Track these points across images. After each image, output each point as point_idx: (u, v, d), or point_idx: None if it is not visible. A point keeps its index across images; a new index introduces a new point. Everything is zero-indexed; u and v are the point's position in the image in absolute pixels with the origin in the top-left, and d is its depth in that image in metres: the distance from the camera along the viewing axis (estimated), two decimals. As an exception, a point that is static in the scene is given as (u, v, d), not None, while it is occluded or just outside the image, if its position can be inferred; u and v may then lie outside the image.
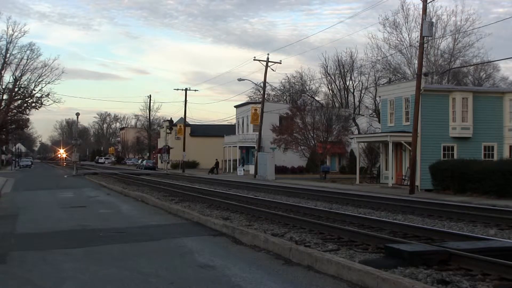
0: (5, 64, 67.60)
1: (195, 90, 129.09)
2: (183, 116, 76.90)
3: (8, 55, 67.37)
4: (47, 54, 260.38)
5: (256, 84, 71.15)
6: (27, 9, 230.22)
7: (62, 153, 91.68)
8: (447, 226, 15.43)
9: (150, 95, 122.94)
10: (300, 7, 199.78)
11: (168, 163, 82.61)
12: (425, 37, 32.37)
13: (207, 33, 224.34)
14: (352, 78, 74.04)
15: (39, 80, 68.79)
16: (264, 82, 57.18)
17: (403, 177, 36.62)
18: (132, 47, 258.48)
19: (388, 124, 39.29)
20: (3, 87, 69.89)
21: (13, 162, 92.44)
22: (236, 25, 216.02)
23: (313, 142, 50.70)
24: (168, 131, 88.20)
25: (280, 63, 57.45)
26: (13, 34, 66.44)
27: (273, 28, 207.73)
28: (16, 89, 69.43)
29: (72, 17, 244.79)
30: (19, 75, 68.47)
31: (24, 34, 71.42)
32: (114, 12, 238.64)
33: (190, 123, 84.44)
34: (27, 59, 67.80)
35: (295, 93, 78.74)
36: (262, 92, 61.48)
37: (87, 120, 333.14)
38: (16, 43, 67.59)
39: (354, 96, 74.24)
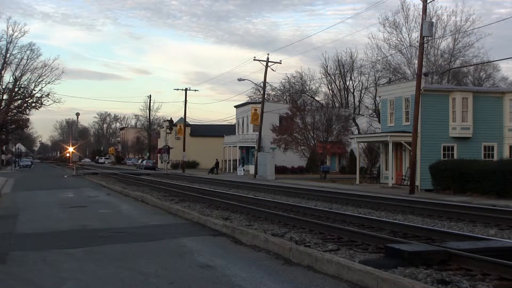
0: (5, 64, 67.65)
1: (195, 90, 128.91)
2: (183, 116, 76.92)
3: (8, 55, 67.52)
4: (50, 54, 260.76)
5: (256, 84, 71.25)
6: (30, 9, 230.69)
7: (71, 151, 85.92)
8: (447, 226, 15.43)
9: (150, 95, 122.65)
10: (303, 8, 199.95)
11: (168, 163, 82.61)
12: (425, 37, 32.37)
13: (210, 34, 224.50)
14: (352, 78, 74.09)
15: (39, 80, 68.92)
16: (264, 82, 57.20)
17: (403, 177, 36.62)
18: (134, 47, 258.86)
19: (388, 124, 39.29)
20: (3, 87, 70.00)
21: (13, 162, 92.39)
22: (239, 26, 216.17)
23: (313, 142, 50.70)
24: (168, 131, 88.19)
25: (280, 63, 57.46)
26: (13, 34, 66.59)
27: (276, 29, 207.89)
28: (16, 89, 69.45)
29: (76, 17, 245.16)
30: (19, 75, 68.59)
31: (24, 34, 71.53)
32: (118, 13, 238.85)
33: (190, 123, 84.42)
34: (27, 59, 67.94)
35: (295, 93, 78.73)
36: (262, 92, 61.50)
37: (87, 120, 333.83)
38: (16, 43, 67.76)
39: (354, 96, 74.28)
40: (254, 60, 55.59)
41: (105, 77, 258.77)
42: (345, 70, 73.86)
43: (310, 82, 78.32)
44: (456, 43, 55.98)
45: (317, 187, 35.41)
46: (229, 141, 72.37)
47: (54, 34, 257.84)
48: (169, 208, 19.81)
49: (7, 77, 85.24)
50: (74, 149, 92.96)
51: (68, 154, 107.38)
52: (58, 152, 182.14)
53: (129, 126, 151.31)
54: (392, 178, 37.31)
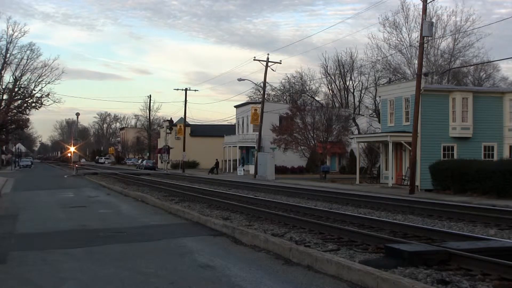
0: (5, 64, 67.66)
1: (195, 90, 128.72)
2: (183, 116, 76.92)
3: (8, 55, 67.54)
4: (50, 54, 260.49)
5: (256, 84, 71.25)
6: (31, 9, 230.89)
7: (72, 151, 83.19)
8: (447, 226, 15.43)
9: (150, 95, 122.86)
10: (303, 8, 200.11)
11: (168, 163, 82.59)
12: (425, 37, 32.35)
13: (210, 34, 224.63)
14: (352, 78, 74.03)
15: (39, 80, 68.94)
16: (264, 82, 57.21)
17: (403, 177, 36.61)
18: (135, 47, 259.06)
19: (388, 124, 39.28)
20: (3, 87, 70.00)
21: (13, 162, 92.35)
22: (240, 26, 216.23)
23: (313, 142, 50.68)
24: (168, 131, 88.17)
25: (280, 63, 57.49)
26: (13, 34, 66.60)
27: (276, 29, 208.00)
28: (16, 89, 69.46)
29: (76, 17, 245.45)
30: (19, 75, 68.61)
31: (24, 34, 71.67)
32: (118, 13, 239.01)
33: (190, 123, 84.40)
34: (27, 59, 67.97)
35: (295, 93, 78.68)
36: (262, 92, 61.49)
37: (87, 120, 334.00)
38: (16, 43, 67.78)
39: (354, 96, 74.20)
40: (254, 60, 55.67)
41: (105, 77, 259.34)
42: (345, 70, 73.84)
43: (310, 82, 78.36)
44: (456, 43, 55.96)
45: (317, 187, 35.41)
46: (229, 141, 72.36)
47: (54, 34, 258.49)
48: (169, 208, 19.80)
49: (7, 77, 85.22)
50: (75, 149, 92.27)
51: (69, 154, 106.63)
52: (59, 152, 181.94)
53: (129, 126, 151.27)
54: (392, 178, 37.31)
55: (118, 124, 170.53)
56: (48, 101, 68.83)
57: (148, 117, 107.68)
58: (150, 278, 8.92)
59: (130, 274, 9.25)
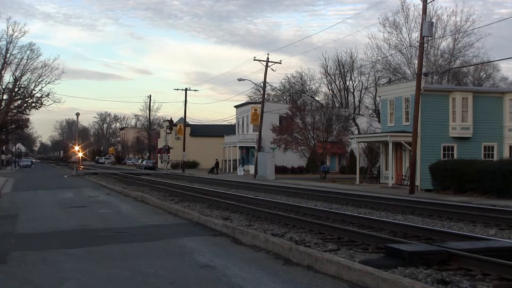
0: (5, 64, 67.51)
1: (195, 90, 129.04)
2: (183, 116, 76.94)
3: (8, 55, 67.32)
4: (51, 54, 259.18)
5: (256, 84, 71.23)
6: (32, 9, 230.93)
7: (77, 150, 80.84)
8: (447, 226, 15.43)
9: (150, 95, 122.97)
10: (304, 8, 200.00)
11: (168, 163, 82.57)
12: (425, 37, 32.35)
13: (211, 34, 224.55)
14: (352, 78, 74.06)
15: (39, 80, 68.70)
16: (264, 82, 57.22)
17: (403, 177, 36.61)
18: (136, 47, 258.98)
19: (388, 124, 39.28)
20: (3, 87, 69.84)
21: (13, 162, 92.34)
22: (240, 26, 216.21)
23: (313, 142, 50.69)
24: (168, 131, 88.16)
25: (280, 63, 57.51)
26: (13, 34, 66.43)
27: (277, 29, 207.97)
28: (16, 89, 69.34)
29: (77, 17, 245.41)
30: (19, 75, 68.40)
31: (24, 34, 71.30)
32: (119, 13, 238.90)
33: (190, 123, 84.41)
34: (27, 59, 67.73)
35: (295, 93, 78.70)
36: (262, 92, 61.50)
37: (87, 120, 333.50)
38: (16, 43, 67.60)
39: (354, 96, 74.23)
40: (254, 60, 55.70)
41: (106, 77, 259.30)
42: (345, 70, 73.88)
43: (310, 82, 78.37)
44: (456, 43, 55.93)
45: (317, 187, 35.41)
46: (229, 141, 72.37)
47: (55, 34, 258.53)
48: (169, 208, 19.81)
49: (7, 77, 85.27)
50: (80, 148, 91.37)
51: (77, 155, 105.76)
52: (61, 152, 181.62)
53: (129, 126, 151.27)
54: (392, 178, 37.30)
55: (118, 124, 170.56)
56: (48, 101, 68.72)
57: (148, 117, 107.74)
58: (150, 278, 8.93)
59: (130, 274, 9.25)
